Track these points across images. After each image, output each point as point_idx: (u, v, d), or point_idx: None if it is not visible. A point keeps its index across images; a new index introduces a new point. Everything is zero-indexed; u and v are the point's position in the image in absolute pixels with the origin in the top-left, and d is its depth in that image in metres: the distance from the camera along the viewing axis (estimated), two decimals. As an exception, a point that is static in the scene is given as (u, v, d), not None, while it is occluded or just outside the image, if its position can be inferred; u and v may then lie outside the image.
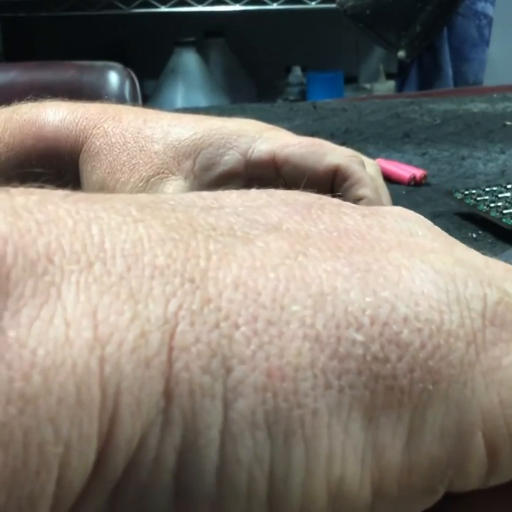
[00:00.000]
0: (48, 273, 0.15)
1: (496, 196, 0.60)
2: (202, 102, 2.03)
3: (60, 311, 0.15)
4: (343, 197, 0.41)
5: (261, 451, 0.15)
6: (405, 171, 0.72)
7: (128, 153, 0.42)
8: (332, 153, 0.42)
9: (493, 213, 0.57)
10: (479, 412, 0.16)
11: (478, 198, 0.60)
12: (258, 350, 0.15)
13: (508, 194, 0.61)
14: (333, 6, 1.81)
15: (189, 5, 2.12)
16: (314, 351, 0.16)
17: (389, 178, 0.69)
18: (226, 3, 2.13)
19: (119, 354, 0.15)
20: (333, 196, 0.21)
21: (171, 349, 0.15)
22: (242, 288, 0.16)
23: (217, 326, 0.15)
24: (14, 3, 2.09)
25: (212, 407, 0.15)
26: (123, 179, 0.42)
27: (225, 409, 0.15)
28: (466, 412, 0.16)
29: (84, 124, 0.44)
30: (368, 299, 0.16)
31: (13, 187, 0.17)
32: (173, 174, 0.42)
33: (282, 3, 2.12)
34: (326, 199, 0.20)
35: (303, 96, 2.23)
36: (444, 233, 0.20)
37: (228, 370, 0.15)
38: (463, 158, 0.79)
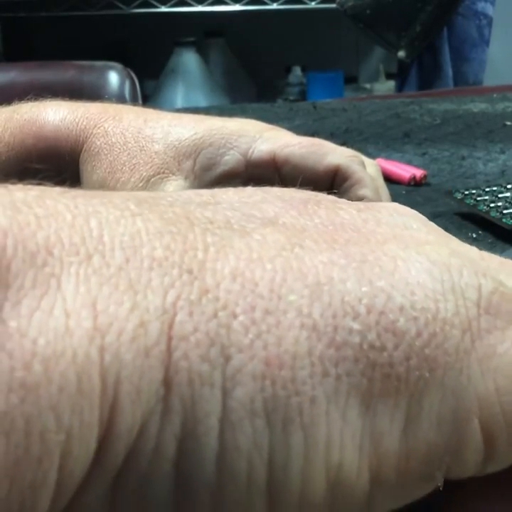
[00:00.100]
0: (47, 265, 0.15)
1: (496, 196, 0.60)
2: (202, 102, 2.03)
3: (60, 301, 0.15)
4: (344, 197, 0.41)
5: (260, 439, 0.15)
6: (405, 171, 0.72)
7: (128, 153, 0.42)
8: (332, 154, 0.42)
9: (493, 213, 0.57)
10: (475, 399, 0.17)
11: (478, 198, 0.60)
12: (256, 339, 0.16)
13: (508, 194, 0.61)
14: (333, 6, 1.81)
15: (189, 5, 2.12)
16: (311, 340, 0.16)
17: (389, 178, 0.69)
18: (226, 3, 2.13)
19: (118, 343, 0.15)
20: (329, 193, 0.21)
21: (169, 338, 0.15)
22: (239, 279, 0.16)
23: (215, 315, 0.16)
24: (14, 3, 2.09)
25: (211, 395, 0.15)
26: (123, 179, 0.42)
27: (223, 398, 0.15)
28: (462, 399, 0.17)
29: (84, 123, 0.44)
30: (364, 289, 0.17)
31: (11, 183, 0.17)
32: (173, 174, 0.42)
33: (282, 3, 2.12)
34: (322, 196, 0.20)
35: (303, 96, 2.23)
36: (439, 228, 0.20)
37: (227, 359, 0.15)
38: (463, 158, 0.79)
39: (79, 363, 0.14)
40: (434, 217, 0.62)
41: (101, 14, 2.13)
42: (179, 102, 2.09)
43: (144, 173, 0.42)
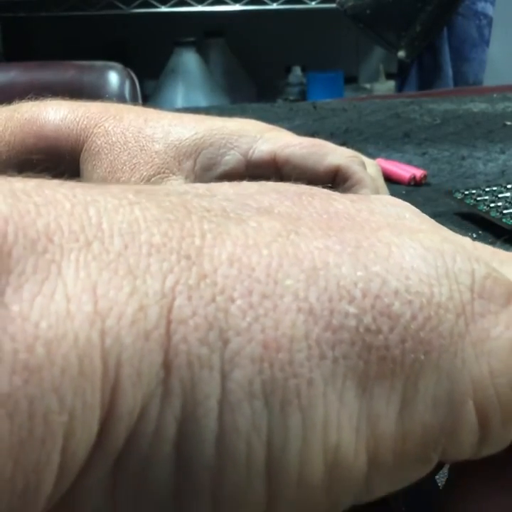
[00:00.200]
0: (48, 251, 0.15)
1: (496, 196, 0.60)
2: (202, 102, 2.04)
3: (61, 286, 0.15)
4: None
5: (258, 421, 0.16)
6: (405, 171, 0.72)
7: (129, 153, 0.42)
8: (333, 154, 0.42)
9: (493, 213, 0.57)
10: (470, 382, 0.17)
11: (478, 198, 0.60)
12: (254, 323, 0.16)
13: (508, 194, 0.61)
14: (333, 6, 1.81)
15: (189, 5, 2.12)
16: (308, 323, 0.16)
17: (389, 178, 0.69)
18: (226, 3, 2.13)
19: (118, 327, 0.15)
20: (324, 187, 0.21)
21: (169, 322, 0.15)
22: (236, 264, 0.16)
23: (213, 299, 0.16)
24: (14, 3, 2.10)
25: (211, 377, 0.15)
26: (123, 178, 0.42)
27: (222, 380, 0.15)
28: (456, 381, 0.17)
29: (85, 123, 0.44)
30: (359, 274, 0.17)
31: (10, 175, 0.17)
32: (173, 174, 0.42)
33: (282, 3, 2.12)
34: (316, 189, 0.21)
35: (303, 96, 2.23)
36: (431, 219, 0.21)
37: (225, 342, 0.16)
38: (463, 158, 0.79)
39: (80, 346, 0.15)
40: (434, 217, 0.61)
41: (101, 14, 2.13)
42: (179, 102, 2.09)
43: (145, 173, 0.42)
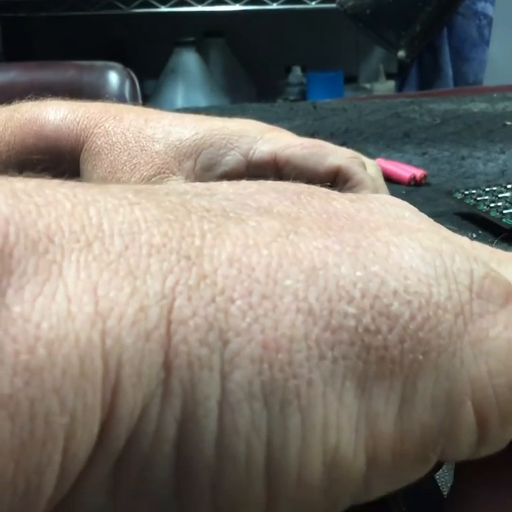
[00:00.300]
0: (49, 252, 0.15)
1: (496, 196, 0.60)
2: (202, 102, 2.04)
3: (62, 287, 0.15)
4: None
5: (258, 421, 0.16)
6: (405, 171, 0.72)
7: (129, 153, 0.42)
8: (333, 155, 0.42)
9: (493, 213, 0.57)
10: (468, 382, 0.17)
11: (478, 198, 0.60)
12: (253, 323, 0.16)
13: (508, 194, 0.61)
14: (333, 5, 1.81)
15: (189, 5, 2.12)
16: (308, 323, 0.16)
17: (389, 178, 0.69)
18: (226, 3, 2.13)
19: (119, 328, 0.15)
20: (322, 186, 0.21)
21: (169, 323, 0.15)
22: (236, 264, 0.16)
23: (213, 300, 0.16)
24: (14, 3, 2.10)
25: (211, 378, 0.15)
26: (124, 178, 0.42)
27: (222, 381, 0.15)
28: (455, 381, 0.17)
29: (85, 123, 0.44)
30: (358, 274, 0.17)
31: (10, 175, 0.17)
32: (174, 174, 0.42)
33: (282, 3, 2.12)
34: (314, 187, 0.21)
35: (303, 96, 2.23)
36: (430, 219, 0.21)
37: (225, 343, 0.16)
38: (463, 158, 0.79)
39: (81, 346, 0.15)
40: (434, 217, 0.61)
41: (101, 14, 2.13)
42: (179, 102, 2.09)
43: (145, 173, 0.42)
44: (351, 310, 0.16)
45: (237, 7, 2.13)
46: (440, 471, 0.20)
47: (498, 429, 0.17)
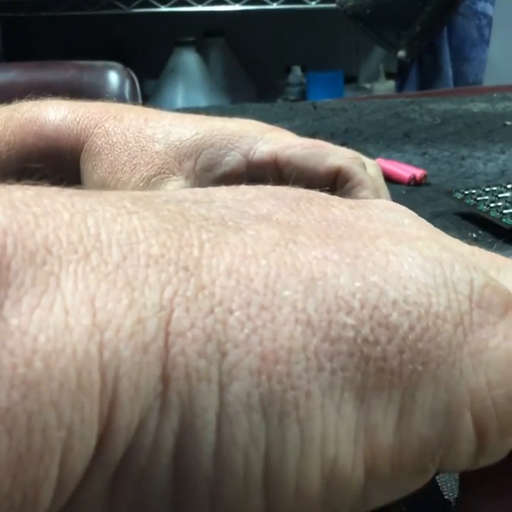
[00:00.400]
0: (46, 263, 0.15)
1: (496, 196, 0.60)
2: (202, 101, 2.03)
3: (60, 299, 0.15)
4: (345, 197, 0.41)
5: (256, 433, 0.16)
6: (405, 170, 0.72)
7: (129, 153, 0.42)
8: (334, 155, 0.42)
9: (493, 213, 0.57)
10: (467, 393, 0.17)
11: (478, 198, 0.60)
12: (252, 335, 0.16)
13: (508, 194, 0.61)
14: (333, 5, 1.81)
15: (189, 5, 2.12)
16: (306, 335, 0.16)
17: (389, 178, 0.69)
18: (226, 3, 2.13)
19: (117, 340, 0.15)
20: (322, 191, 0.21)
21: (167, 334, 0.15)
22: (234, 275, 0.16)
23: (211, 311, 0.16)
24: (14, 3, 2.09)
25: (209, 390, 0.15)
26: (124, 179, 0.42)
27: (220, 393, 0.15)
28: (454, 392, 0.17)
29: (85, 123, 0.44)
30: (357, 284, 0.17)
31: (9, 184, 0.17)
32: (174, 174, 0.42)
33: (282, 3, 2.12)
34: (314, 193, 0.21)
35: (303, 96, 2.22)
36: (430, 224, 0.21)
37: (223, 354, 0.16)
38: (463, 158, 0.79)
39: (79, 359, 0.15)
40: (434, 217, 0.62)
41: (101, 14, 2.13)
42: (179, 102, 2.09)
43: (145, 173, 0.42)
44: (350, 321, 0.16)
45: (237, 7, 2.13)
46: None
47: (497, 440, 0.17)
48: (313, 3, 2.12)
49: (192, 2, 2.12)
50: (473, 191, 0.61)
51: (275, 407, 0.16)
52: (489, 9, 1.72)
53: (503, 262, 0.19)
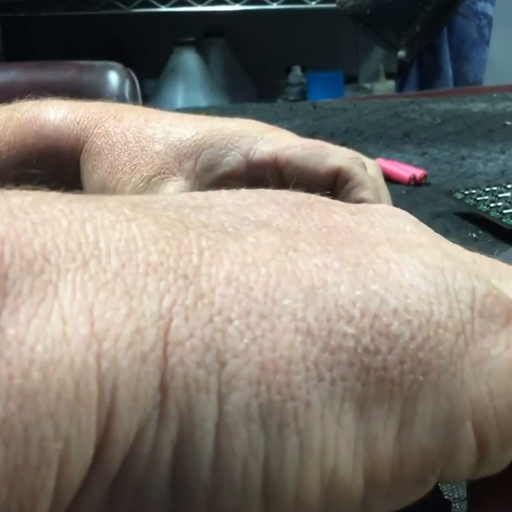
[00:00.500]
0: (44, 272, 0.15)
1: (496, 196, 0.60)
2: (202, 101, 2.03)
3: (57, 308, 0.15)
4: (344, 199, 0.41)
5: (255, 443, 0.15)
6: (405, 170, 0.72)
7: (129, 153, 0.42)
8: (334, 156, 0.42)
9: (493, 213, 0.57)
10: (468, 403, 0.17)
11: (478, 198, 0.60)
12: (251, 344, 0.16)
13: (508, 194, 0.61)
14: (333, 5, 1.81)
15: (189, 5, 2.12)
16: (306, 344, 0.16)
17: (389, 178, 0.69)
18: (226, 3, 2.13)
19: (115, 350, 0.15)
20: (323, 195, 0.21)
21: (166, 344, 0.15)
22: (234, 283, 0.16)
23: (210, 320, 0.16)
24: (14, 3, 2.09)
25: (208, 400, 0.15)
26: (124, 179, 0.42)
27: (219, 403, 0.15)
28: (455, 402, 0.17)
29: (85, 123, 0.44)
30: (357, 292, 0.17)
31: (7, 189, 0.17)
32: (174, 174, 0.42)
33: (282, 3, 2.12)
34: (315, 198, 0.20)
35: (303, 96, 2.22)
36: (431, 230, 0.20)
37: (222, 364, 0.15)
38: (463, 158, 0.79)
39: (76, 369, 0.14)
40: (434, 217, 0.62)
41: (101, 14, 2.13)
42: (179, 102, 2.09)
43: (145, 173, 0.42)
44: (350, 330, 0.16)
45: (237, 7, 2.13)
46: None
47: (498, 451, 0.17)
48: (313, 3, 2.12)
49: (192, 2, 2.12)
50: (473, 191, 0.61)
51: (274, 418, 0.15)
52: (489, 9, 1.72)
53: (505, 269, 0.19)
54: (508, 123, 0.91)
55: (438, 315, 0.17)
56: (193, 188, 0.42)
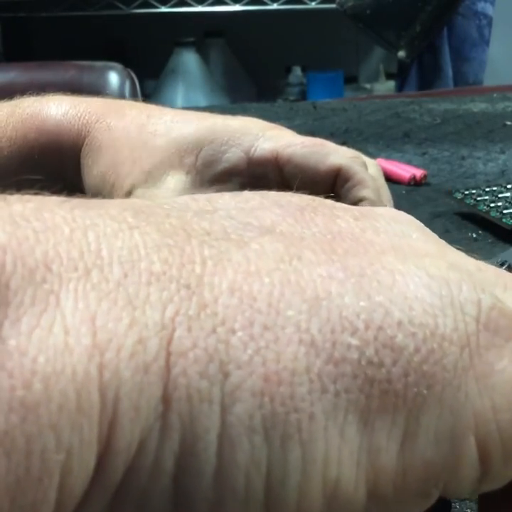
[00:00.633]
0: (46, 281, 0.15)
1: (496, 196, 0.60)
2: (202, 102, 2.03)
3: (59, 318, 0.15)
4: (345, 198, 0.41)
5: (258, 455, 0.15)
6: (405, 170, 0.72)
7: (130, 147, 0.42)
8: (335, 154, 0.42)
9: (493, 213, 0.57)
10: (472, 416, 0.17)
11: (478, 198, 0.60)
12: (255, 355, 0.16)
13: (508, 194, 0.61)
14: (333, 6, 1.81)
15: (189, 5, 2.12)
16: (310, 356, 0.16)
17: (389, 178, 0.69)
18: (226, 4, 2.13)
19: (117, 360, 0.15)
20: (327, 197, 0.21)
21: (168, 354, 0.15)
22: (237, 293, 0.16)
23: (214, 331, 0.15)
24: (14, 3, 2.09)
25: (210, 411, 0.15)
26: (124, 172, 0.41)
27: (222, 414, 0.15)
28: (459, 416, 0.16)
29: (86, 118, 0.44)
30: (362, 304, 0.16)
31: (9, 194, 0.17)
32: (174, 169, 0.42)
33: (282, 4, 2.12)
34: (319, 201, 0.20)
35: (303, 96, 2.23)
36: (435, 235, 0.20)
37: (225, 375, 0.15)
38: (463, 158, 0.79)
39: (78, 380, 0.14)
40: (434, 217, 0.62)
41: (101, 14, 2.13)
42: (179, 102, 2.09)
43: (146, 167, 0.41)
44: (354, 342, 0.16)
45: (237, 7, 2.13)
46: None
47: (501, 466, 0.17)
48: (313, 3, 2.12)
49: (192, 2, 2.12)
50: (473, 191, 0.62)
51: (278, 430, 0.15)
52: (489, 9, 1.72)
53: (509, 279, 0.19)
54: (508, 123, 0.91)
55: (443, 327, 0.17)
56: (193, 184, 0.42)
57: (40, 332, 0.14)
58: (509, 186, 0.62)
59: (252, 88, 2.28)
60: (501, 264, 0.42)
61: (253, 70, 2.27)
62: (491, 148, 0.81)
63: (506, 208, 0.58)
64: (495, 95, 1.07)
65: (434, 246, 0.19)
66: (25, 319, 0.14)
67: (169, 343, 0.15)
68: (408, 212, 0.21)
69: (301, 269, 0.17)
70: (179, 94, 2.14)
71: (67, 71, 1.14)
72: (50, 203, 0.17)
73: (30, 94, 0.46)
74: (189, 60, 2.17)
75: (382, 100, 1.09)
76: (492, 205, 0.59)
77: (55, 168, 0.44)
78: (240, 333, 0.16)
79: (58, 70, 1.15)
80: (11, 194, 0.17)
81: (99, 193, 0.42)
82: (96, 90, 1.08)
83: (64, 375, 0.14)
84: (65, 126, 0.44)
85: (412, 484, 0.16)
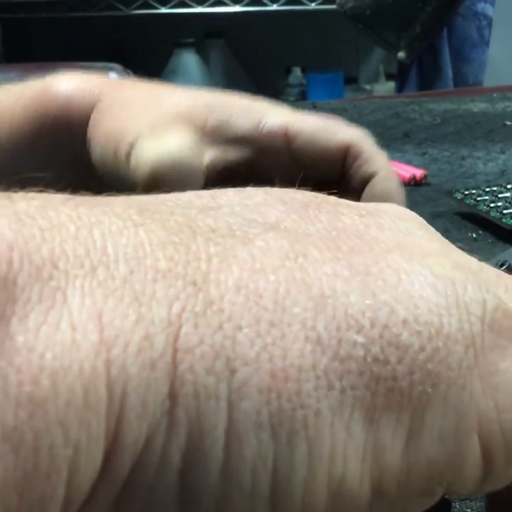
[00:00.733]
0: (53, 278, 0.15)
1: (496, 196, 0.60)
2: (202, 102, 2.04)
3: (66, 315, 0.15)
4: (356, 176, 0.41)
5: (265, 451, 0.15)
6: (405, 171, 0.72)
7: (142, 104, 0.43)
8: (344, 131, 0.42)
9: (493, 213, 0.57)
10: (476, 416, 0.17)
11: (478, 198, 0.60)
12: (261, 352, 0.16)
13: (508, 194, 0.61)
14: (333, 6, 1.81)
15: (189, 6, 2.12)
16: (316, 353, 0.16)
17: (389, 178, 0.69)
18: (226, 4, 2.13)
19: (124, 356, 0.15)
20: (330, 194, 0.21)
21: (175, 351, 0.15)
22: (243, 290, 0.16)
23: (220, 327, 0.16)
24: (14, 4, 2.10)
25: (217, 407, 0.15)
26: (132, 125, 0.41)
27: (229, 410, 0.15)
28: (464, 415, 0.17)
29: (97, 91, 0.44)
30: (367, 302, 0.16)
31: (13, 192, 0.17)
32: (182, 125, 0.42)
33: (282, 4, 2.12)
34: (322, 198, 0.20)
35: (303, 97, 2.23)
36: (438, 234, 0.20)
37: (232, 372, 0.15)
38: (463, 158, 0.79)
39: (86, 376, 0.14)
40: (434, 217, 0.61)
41: (101, 15, 2.13)
42: (179, 103, 2.09)
43: (154, 120, 0.42)
44: (360, 339, 0.16)
45: (237, 8, 2.13)
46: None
47: (504, 466, 0.17)
48: (313, 4, 2.12)
49: (192, 3, 2.12)
50: (473, 191, 0.61)
51: (284, 426, 0.15)
52: (489, 10, 1.72)
53: (510, 281, 0.19)
54: (508, 123, 0.91)
55: (448, 327, 0.17)
56: (199, 144, 0.42)
57: (48, 328, 0.14)
58: (509, 186, 0.62)
59: (252, 89, 2.27)
60: (501, 264, 0.42)
61: (253, 70, 2.28)
62: (491, 148, 0.81)
63: (506, 208, 0.58)
64: (495, 95, 1.07)
65: (438, 244, 0.19)
66: (32, 316, 0.14)
67: (176, 339, 0.15)
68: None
69: (307, 266, 0.17)
70: (179, 95, 2.14)
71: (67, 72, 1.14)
72: (55, 200, 0.17)
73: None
74: (189, 60, 2.18)
75: (382, 100, 1.09)
76: (492, 205, 0.59)
77: (64, 139, 0.44)
78: (246, 330, 0.16)
79: (58, 71, 1.15)
80: (15, 192, 0.17)
81: (104, 153, 0.42)
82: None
83: (71, 371, 0.14)
84: (75, 98, 0.44)
85: (415, 482, 0.16)
